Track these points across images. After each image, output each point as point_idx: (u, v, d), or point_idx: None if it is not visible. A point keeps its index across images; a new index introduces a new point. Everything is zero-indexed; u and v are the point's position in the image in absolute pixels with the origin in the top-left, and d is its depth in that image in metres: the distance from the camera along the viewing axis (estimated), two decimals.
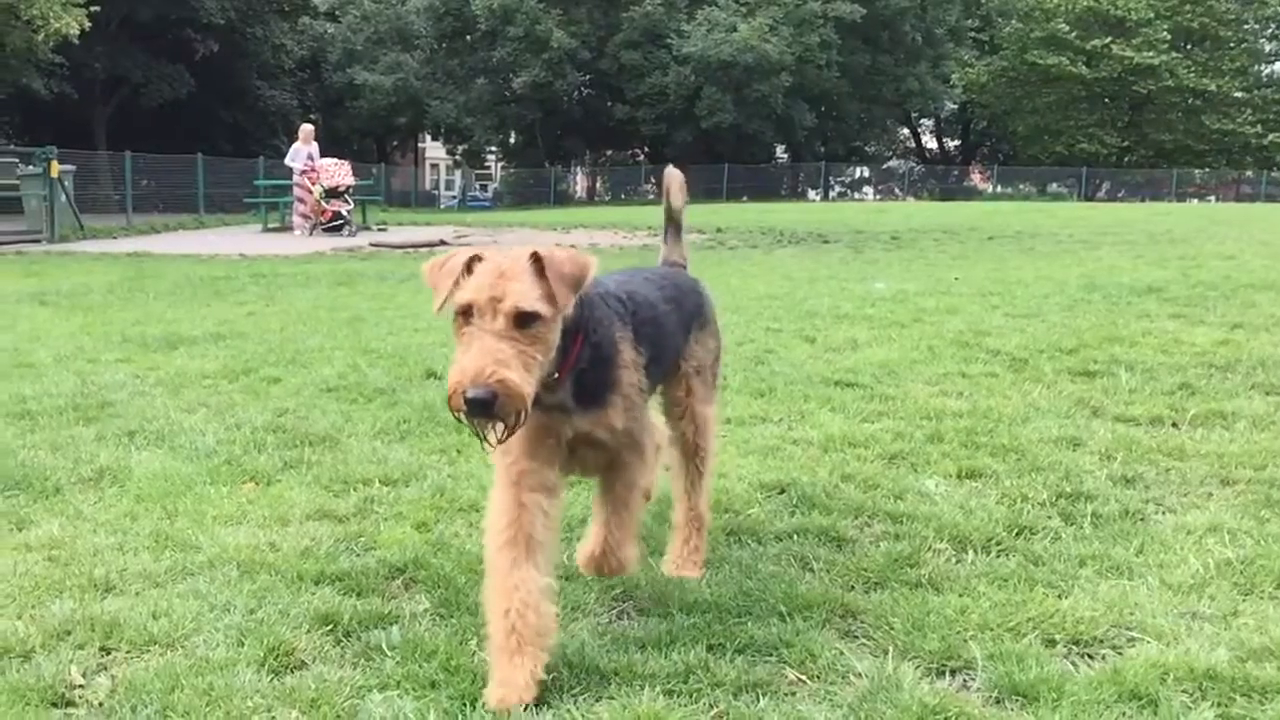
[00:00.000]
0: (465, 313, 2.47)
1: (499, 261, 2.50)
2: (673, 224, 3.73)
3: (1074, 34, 55.45)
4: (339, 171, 23.18)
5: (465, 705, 2.57)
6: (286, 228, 24.63)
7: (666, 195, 3.67)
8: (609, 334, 2.80)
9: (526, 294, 2.44)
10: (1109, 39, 54.73)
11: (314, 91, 55.59)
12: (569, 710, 2.57)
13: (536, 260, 2.50)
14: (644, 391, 2.95)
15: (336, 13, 57.63)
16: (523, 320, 2.44)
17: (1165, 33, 54.94)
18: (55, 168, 22.29)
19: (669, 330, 3.19)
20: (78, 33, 30.14)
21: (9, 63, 33.68)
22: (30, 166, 22.63)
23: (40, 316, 9.88)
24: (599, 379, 2.77)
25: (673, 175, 3.68)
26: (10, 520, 4.01)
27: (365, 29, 56.95)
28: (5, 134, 42.30)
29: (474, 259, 2.53)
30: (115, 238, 23.47)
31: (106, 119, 44.79)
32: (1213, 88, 55.38)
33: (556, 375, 2.65)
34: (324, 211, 23.04)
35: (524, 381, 2.41)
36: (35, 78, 35.73)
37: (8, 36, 31.04)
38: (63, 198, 22.82)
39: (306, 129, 24.19)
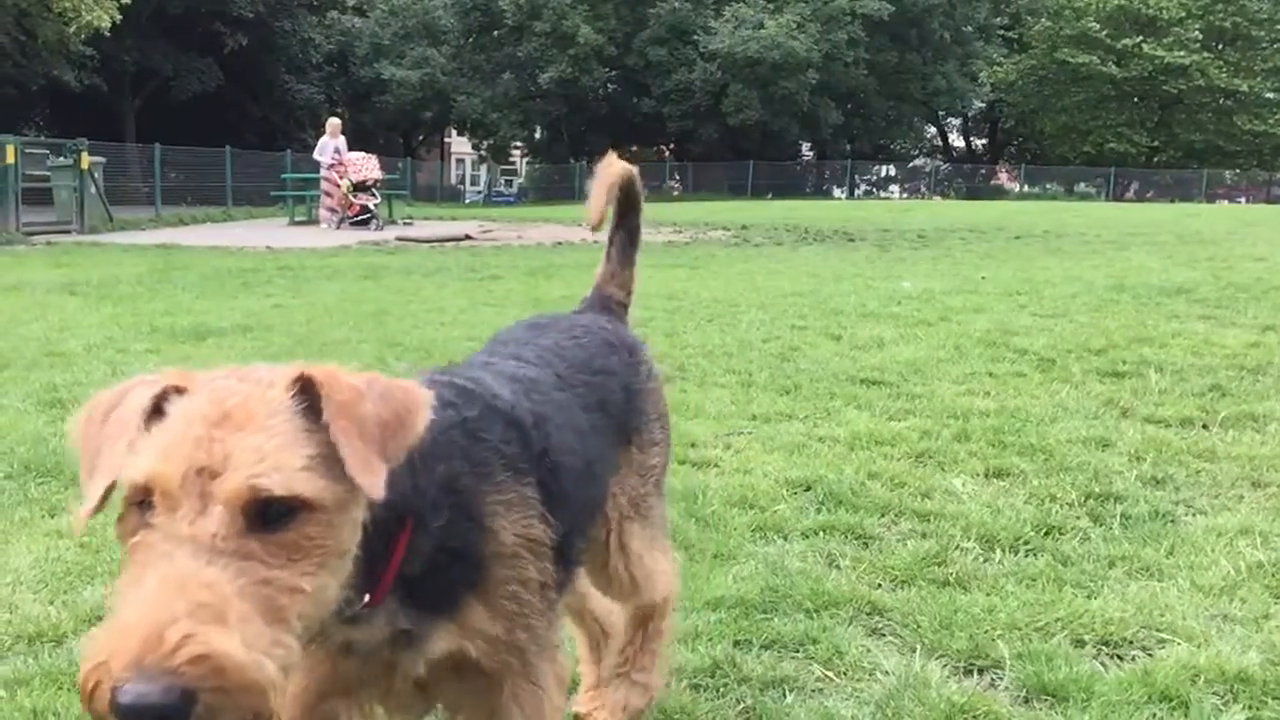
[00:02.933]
0: (143, 503, 1.33)
1: (220, 397, 1.37)
2: (623, 231, 2.51)
3: (1104, 32, 54.98)
4: (367, 165, 23.27)
5: None
6: (313, 221, 24.74)
7: (608, 188, 2.44)
8: (473, 508, 1.65)
9: (275, 459, 1.33)
10: (1140, 38, 54.25)
11: (341, 86, 55.82)
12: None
13: (306, 390, 1.40)
14: (550, 588, 1.77)
15: (364, 7, 57.83)
16: (266, 514, 1.32)
17: (1197, 32, 54.41)
18: (85, 159, 22.46)
19: (596, 461, 2.02)
20: (109, 25, 30.44)
21: (41, 55, 34.06)
22: (61, 158, 22.81)
23: (70, 306, 9.97)
24: (450, 580, 1.65)
25: (612, 167, 2.46)
26: (42, 507, 4.05)
27: (393, 24, 57.09)
28: (36, 126, 42.77)
29: (168, 393, 1.41)
30: (144, 229, 23.63)
31: (136, 111, 45.14)
32: (1244, 88, 54.79)
33: (365, 601, 1.54)
34: (351, 205, 23.14)
35: (258, 652, 1.25)
36: (66, 70, 36.09)
37: (40, 29, 31.38)
38: (92, 189, 23.00)
39: (334, 123, 24.30)
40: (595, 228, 2.43)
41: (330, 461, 1.37)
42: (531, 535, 1.71)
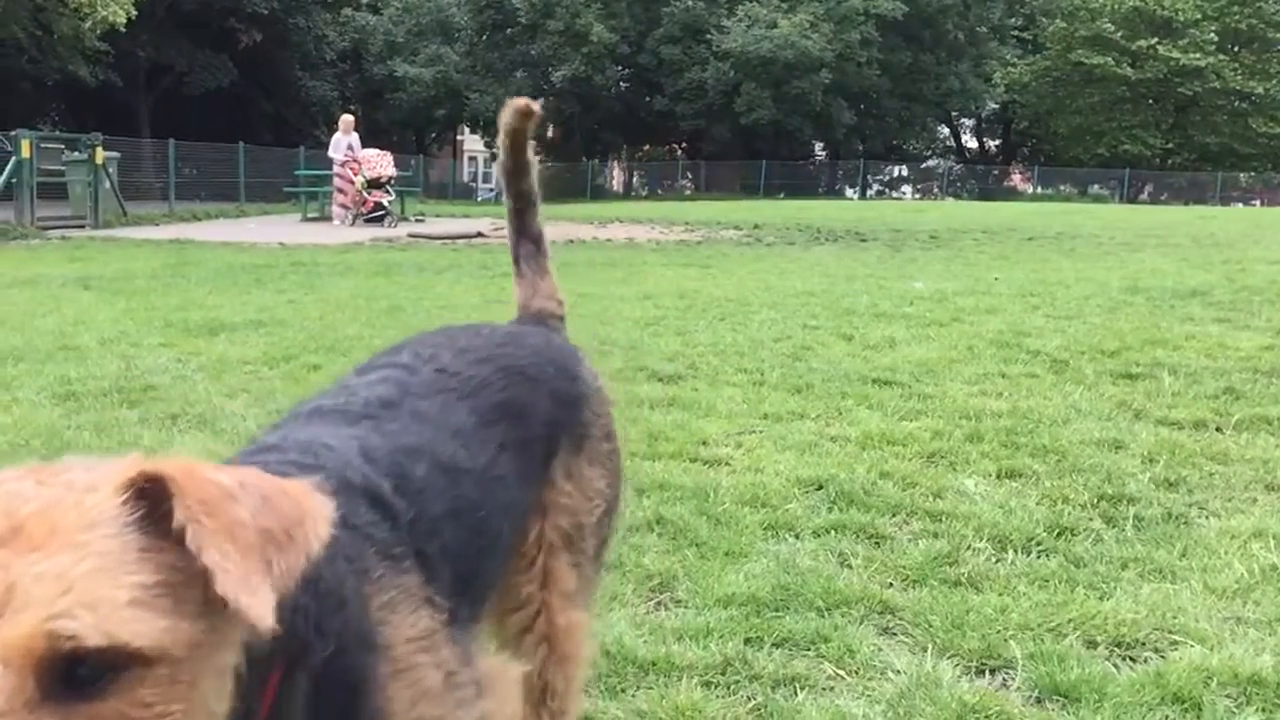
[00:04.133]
0: None
1: (10, 505, 0.98)
2: (527, 241, 2.20)
3: (1119, 34, 54.77)
4: (381, 162, 23.33)
5: None
6: (326, 217, 24.80)
7: (513, 179, 2.14)
8: (362, 624, 1.28)
9: (87, 591, 0.94)
10: (1155, 39, 54.02)
11: (354, 83, 55.96)
12: (607, 700, 2.58)
13: (147, 493, 1.02)
14: (456, 673, 1.43)
15: (378, 5, 57.94)
16: (74, 674, 0.94)
17: (1212, 34, 54.16)
18: (100, 154, 22.56)
19: (491, 480, 1.64)
20: (124, 21, 30.55)
21: (56, 50, 34.21)
22: (76, 153, 22.91)
23: (84, 300, 10.01)
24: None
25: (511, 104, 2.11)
26: None
27: (406, 21, 57.20)
28: (51, 121, 42.94)
29: None
30: (158, 224, 23.72)
31: (150, 107, 45.29)
32: (1260, 90, 54.52)
33: None
34: (366, 202, 23.20)
35: None
36: (81, 65, 36.23)
37: (55, 24, 31.52)
38: (107, 184, 23.09)
39: (346, 119, 24.35)
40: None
41: (179, 590, 0.98)
42: (422, 630, 1.36)
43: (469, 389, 1.70)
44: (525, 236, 2.17)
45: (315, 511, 1.07)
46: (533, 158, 2.14)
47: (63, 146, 23.51)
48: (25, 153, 20.54)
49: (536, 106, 2.09)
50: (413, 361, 1.72)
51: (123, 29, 31.31)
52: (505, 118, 2.09)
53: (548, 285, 2.16)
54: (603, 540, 1.95)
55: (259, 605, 0.96)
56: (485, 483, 1.62)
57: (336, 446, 1.45)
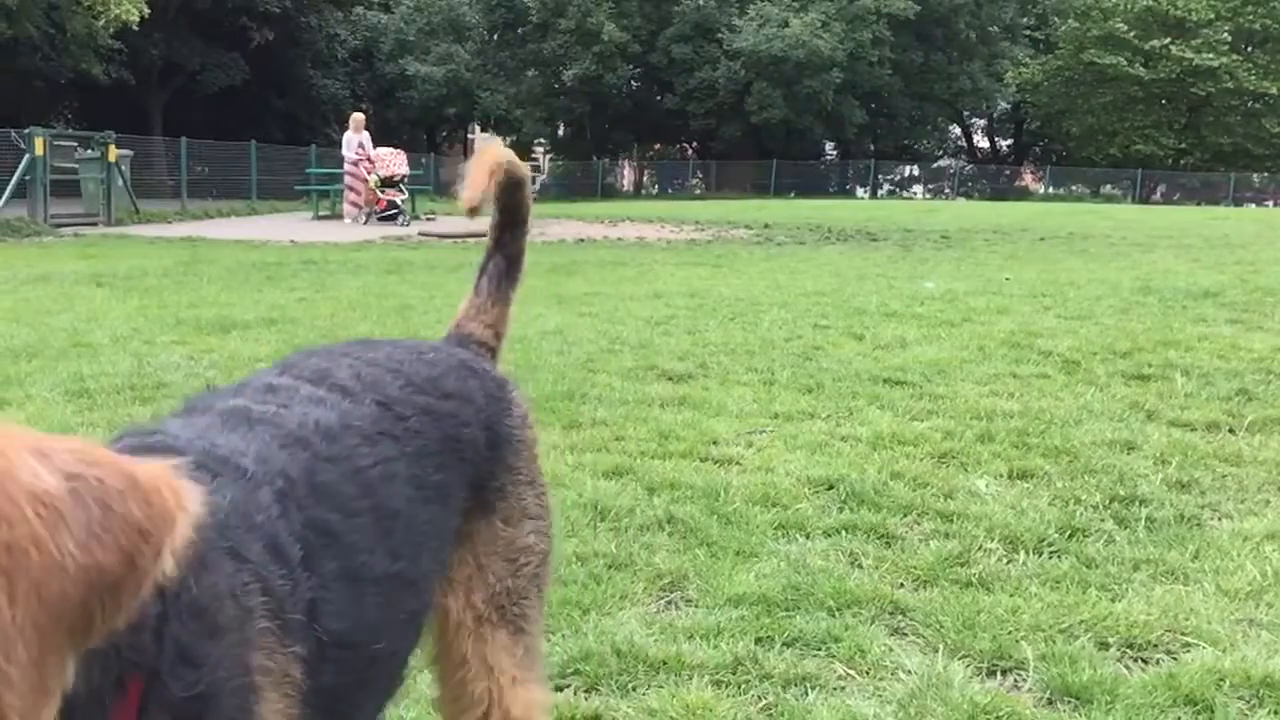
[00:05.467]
0: None
1: None
2: (500, 257, 1.93)
3: (1132, 34, 54.57)
4: (394, 161, 23.38)
5: None
6: (337, 216, 24.85)
7: (490, 173, 1.82)
8: (235, 674, 1.02)
9: None
10: (1168, 39, 53.82)
11: (366, 81, 56.04)
12: (618, 698, 2.58)
13: None
14: None
15: (390, 3, 58.03)
16: None
17: (1226, 34, 53.93)
18: (113, 152, 22.64)
19: (421, 546, 1.40)
20: (137, 19, 30.63)
21: (70, 48, 34.33)
22: (89, 151, 23.00)
23: (97, 297, 10.04)
24: None
25: (491, 149, 1.85)
26: None
27: (418, 20, 57.25)
28: (64, 119, 43.10)
29: None
30: (170, 222, 23.79)
31: (163, 105, 45.43)
32: (1274, 90, 54.24)
33: None
34: (379, 200, 23.25)
35: None
36: (95, 63, 36.35)
37: (69, 22, 31.63)
38: (120, 182, 23.18)
39: (357, 118, 24.39)
40: (472, 212, 1.82)
41: None
42: None
43: (409, 437, 1.43)
44: (501, 252, 1.91)
45: (175, 507, 0.79)
46: (528, 176, 1.90)
47: (76, 144, 23.60)
48: (39, 150, 20.62)
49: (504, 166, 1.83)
50: (352, 384, 1.45)
51: (136, 27, 31.41)
52: (496, 175, 1.83)
53: (497, 313, 1.87)
54: (541, 591, 1.68)
55: (64, 662, 0.72)
56: (420, 529, 1.38)
57: (255, 473, 1.18)
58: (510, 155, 1.82)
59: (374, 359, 1.54)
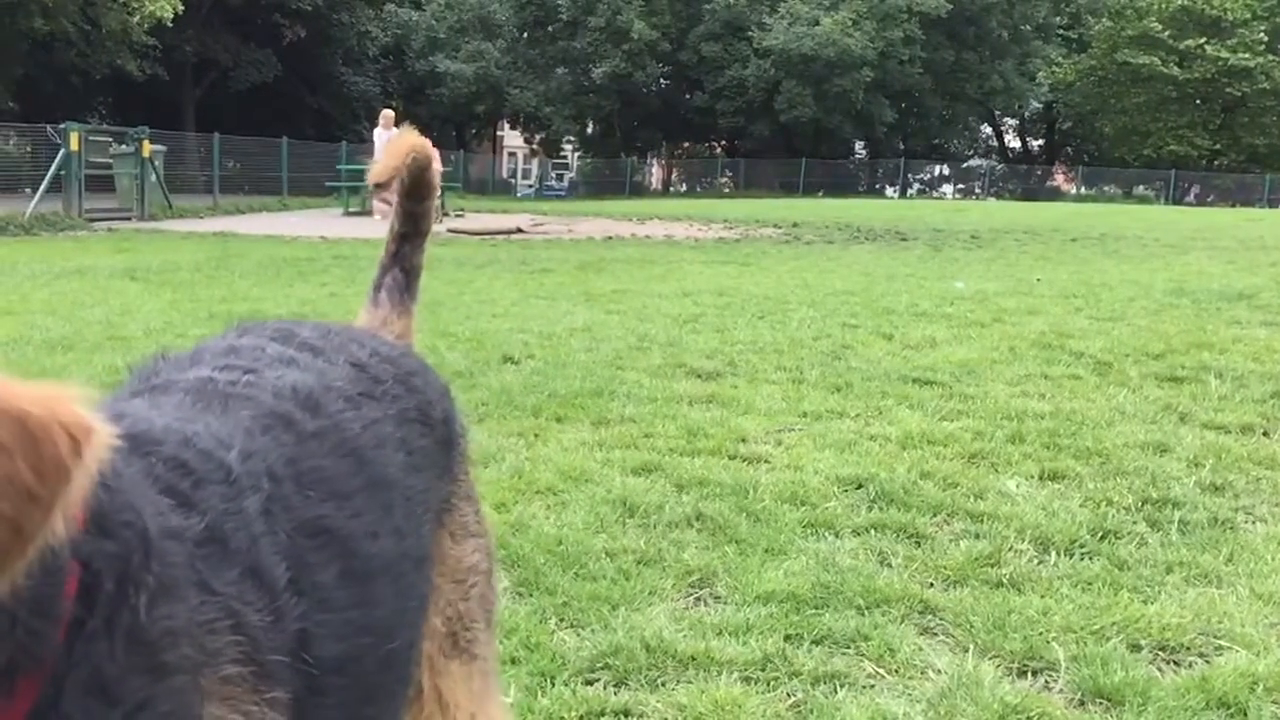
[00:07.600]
0: None
1: None
2: (398, 269, 1.82)
3: (1167, 33, 54.05)
4: None
5: (545, 681, 2.60)
6: (367, 212, 24.98)
7: (401, 159, 1.75)
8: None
9: None
10: (1203, 39, 53.26)
11: (396, 78, 56.33)
12: (647, 693, 2.59)
13: None
14: None
15: (421, 1, 58.30)
16: None
17: (1262, 34, 53.34)
18: (147, 148, 22.86)
19: (411, 557, 1.26)
20: (171, 16, 30.94)
21: (105, 44, 34.69)
22: (123, 146, 23.23)
23: (131, 291, 10.14)
24: None
25: (406, 138, 1.77)
26: None
27: (448, 17, 57.47)
28: (99, 114, 43.54)
29: None
30: (202, 217, 24.00)
31: (196, 101, 45.84)
32: None
33: None
34: None
35: None
36: (129, 59, 36.72)
37: (104, 18, 31.97)
38: (153, 177, 23.40)
39: (387, 114, 24.50)
40: (377, 183, 1.76)
41: None
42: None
43: (389, 401, 1.31)
44: (400, 265, 1.79)
45: (68, 468, 0.70)
46: (437, 182, 1.83)
47: (110, 140, 23.84)
48: (74, 145, 20.85)
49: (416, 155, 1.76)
50: (321, 343, 1.34)
51: (170, 24, 31.74)
52: (408, 162, 1.76)
53: (403, 325, 1.73)
54: (489, 613, 1.54)
55: None
56: (400, 592, 1.19)
57: (239, 475, 1.03)
58: (422, 143, 1.75)
59: (333, 327, 1.45)
